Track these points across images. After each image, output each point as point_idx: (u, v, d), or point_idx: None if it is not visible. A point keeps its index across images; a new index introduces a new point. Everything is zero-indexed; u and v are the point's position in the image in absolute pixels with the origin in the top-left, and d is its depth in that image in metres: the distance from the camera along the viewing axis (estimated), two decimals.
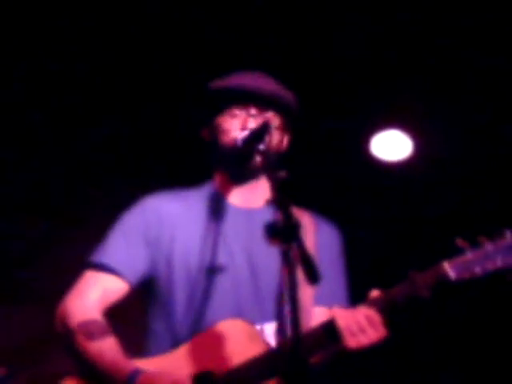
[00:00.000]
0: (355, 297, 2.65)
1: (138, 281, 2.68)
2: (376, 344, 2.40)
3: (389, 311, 2.44)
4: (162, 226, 2.70)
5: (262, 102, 2.71)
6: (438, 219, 4.89)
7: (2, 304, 4.75)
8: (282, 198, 2.16)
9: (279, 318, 2.59)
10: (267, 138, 2.48)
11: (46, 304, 2.71)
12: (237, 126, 2.68)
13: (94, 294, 2.62)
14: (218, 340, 2.52)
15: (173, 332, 2.62)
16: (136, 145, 4.86)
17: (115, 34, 4.18)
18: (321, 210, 2.90)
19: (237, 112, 2.71)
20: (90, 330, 2.55)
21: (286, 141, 2.84)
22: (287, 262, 2.02)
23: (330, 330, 2.43)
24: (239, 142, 2.59)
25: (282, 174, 2.27)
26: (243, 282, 2.64)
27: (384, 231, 5.06)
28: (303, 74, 4.34)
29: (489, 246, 2.45)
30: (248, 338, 2.54)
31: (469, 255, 2.45)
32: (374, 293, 2.50)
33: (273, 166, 2.35)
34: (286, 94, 2.78)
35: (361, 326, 2.40)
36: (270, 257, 2.52)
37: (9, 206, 4.87)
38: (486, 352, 4.91)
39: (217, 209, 2.74)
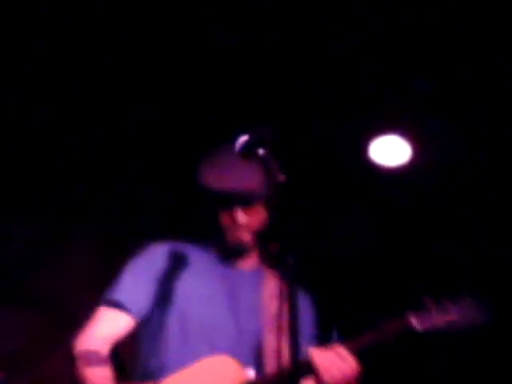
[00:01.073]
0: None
1: (142, 319, 2.92)
2: (349, 376, 2.70)
3: (357, 353, 2.74)
4: (168, 274, 2.94)
5: (245, 202, 2.90)
6: (435, 225, 4.90)
7: (2, 309, 4.76)
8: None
9: (258, 366, 2.85)
10: (267, 144, 2.50)
11: (44, 306, 2.82)
12: (228, 222, 2.92)
13: (102, 329, 2.90)
14: (205, 373, 2.77)
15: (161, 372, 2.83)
16: (137, 147, 4.88)
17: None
18: (318, 215, 2.96)
19: (239, 213, 2.91)
20: (89, 358, 2.82)
21: (267, 218, 2.97)
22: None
23: (308, 366, 2.71)
24: (238, 148, 2.57)
25: (281, 177, 2.31)
26: (228, 334, 2.88)
27: (383, 235, 5.08)
28: (301, 78, 4.36)
29: (449, 305, 2.82)
30: (235, 374, 2.77)
31: (433, 312, 2.79)
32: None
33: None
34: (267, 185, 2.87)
35: (333, 361, 2.69)
36: (251, 313, 2.92)
37: (7, 207, 4.88)
38: None
39: (215, 268, 3.01)
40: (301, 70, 4.37)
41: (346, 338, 2.79)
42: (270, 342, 2.82)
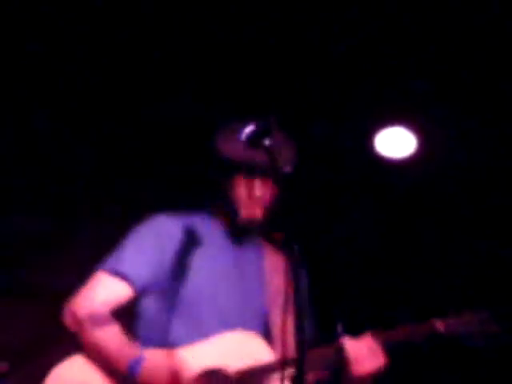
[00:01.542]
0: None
1: (143, 289, 2.86)
2: (377, 370, 2.72)
3: (388, 347, 2.77)
4: (171, 245, 2.88)
5: (267, 174, 2.87)
6: (444, 217, 4.89)
7: (3, 302, 4.76)
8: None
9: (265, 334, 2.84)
10: (273, 134, 2.50)
11: (46, 301, 2.80)
12: (244, 192, 2.89)
13: (101, 295, 2.81)
14: (220, 349, 2.72)
15: (157, 338, 2.77)
16: (138, 145, 4.86)
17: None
18: (324, 208, 2.96)
19: (243, 181, 2.90)
20: (96, 320, 2.73)
21: (276, 200, 2.96)
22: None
23: (339, 355, 2.70)
24: (243, 137, 2.57)
25: (287, 169, 2.31)
26: (232, 300, 2.86)
27: (387, 229, 5.06)
28: (305, 70, 4.34)
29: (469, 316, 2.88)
30: (250, 351, 2.74)
31: (456, 319, 2.86)
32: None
33: (278, 163, 2.45)
34: (292, 158, 2.92)
35: (364, 354, 2.69)
36: (258, 278, 2.91)
37: (9, 204, 4.88)
38: None
39: (218, 234, 2.98)
40: (304, 63, 4.35)
41: (374, 330, 2.82)
42: (275, 318, 2.80)
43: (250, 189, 2.89)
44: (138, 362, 2.61)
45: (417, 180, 4.96)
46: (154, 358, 2.65)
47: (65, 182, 4.91)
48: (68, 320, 2.81)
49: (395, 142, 4.80)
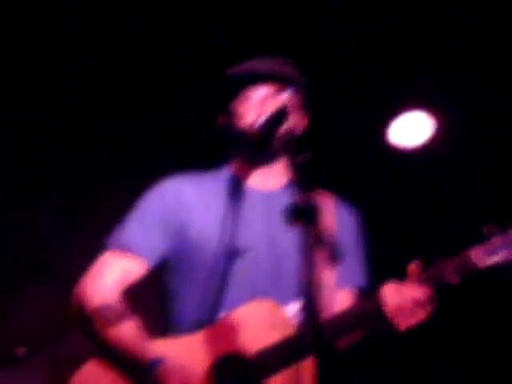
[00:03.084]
0: (374, 283, 2.65)
1: (156, 262, 2.68)
2: (422, 322, 2.45)
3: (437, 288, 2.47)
4: (180, 209, 2.69)
5: (275, 81, 2.69)
6: (460, 204, 4.87)
7: (26, 286, 4.79)
8: (302, 179, 2.16)
9: (301, 298, 2.59)
10: (286, 121, 2.49)
11: (68, 286, 2.71)
12: (252, 109, 2.67)
13: (111, 276, 2.62)
14: (240, 323, 2.53)
15: (189, 314, 2.62)
16: (154, 127, 4.87)
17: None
18: (340, 194, 2.89)
19: (252, 95, 2.70)
20: (107, 315, 2.55)
21: (304, 122, 2.82)
22: (307, 244, 2.02)
23: (377, 309, 2.45)
24: (257, 127, 2.56)
25: (303, 156, 2.24)
26: (263, 263, 2.64)
27: (405, 216, 5.05)
28: (321, 57, 4.33)
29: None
30: (273, 319, 2.54)
31: (495, 241, 2.47)
32: (416, 267, 2.51)
33: (293, 148, 2.34)
34: (300, 75, 2.77)
35: (409, 306, 2.44)
36: (290, 237, 2.54)
37: (32, 188, 4.91)
38: None
39: (235, 191, 2.72)
40: (320, 49, 4.33)
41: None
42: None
43: (261, 104, 2.66)
44: (153, 364, 2.46)
45: (433, 166, 4.95)
46: (169, 360, 2.47)
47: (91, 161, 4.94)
48: (75, 312, 2.62)
49: (411, 129, 4.79)
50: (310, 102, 2.82)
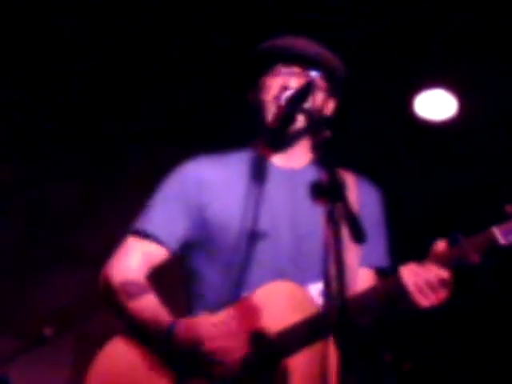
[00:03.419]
0: (399, 258, 2.63)
1: (179, 246, 2.69)
2: (444, 301, 2.43)
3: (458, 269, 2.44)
4: (202, 191, 2.69)
5: (306, 61, 2.68)
6: (484, 182, 4.83)
7: (54, 268, 4.84)
8: (326, 157, 2.15)
9: (325, 278, 2.58)
10: (311, 98, 2.46)
11: (94, 269, 2.76)
12: (279, 83, 2.65)
13: (135, 258, 2.67)
14: (262, 303, 2.52)
15: (212, 295, 2.64)
16: (179, 109, 4.87)
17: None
18: (364, 169, 2.87)
19: (281, 70, 2.68)
20: (130, 290, 2.60)
21: (331, 106, 2.80)
22: (332, 222, 2.01)
23: (399, 288, 2.43)
24: (283, 102, 2.54)
25: (326, 133, 2.23)
26: (285, 243, 2.63)
27: (428, 194, 5.03)
28: (346, 32, 4.29)
29: None
30: (294, 299, 2.53)
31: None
32: (440, 246, 2.48)
33: (316, 125, 2.33)
34: (333, 58, 2.75)
35: (429, 284, 2.41)
36: (313, 216, 2.56)
37: (61, 171, 4.95)
38: None
39: (259, 170, 2.71)
40: (346, 26, 4.30)
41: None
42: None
43: (287, 79, 2.65)
44: (173, 325, 2.47)
45: (458, 142, 4.92)
46: (191, 320, 2.50)
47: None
48: (102, 289, 2.68)
49: (436, 105, 4.76)
50: (337, 87, 2.79)
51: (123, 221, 2.77)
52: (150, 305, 2.58)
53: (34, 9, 4.07)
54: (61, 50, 4.36)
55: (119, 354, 2.58)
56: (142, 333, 2.56)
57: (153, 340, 2.54)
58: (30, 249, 4.90)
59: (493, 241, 2.43)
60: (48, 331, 4.29)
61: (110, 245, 2.74)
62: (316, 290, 2.59)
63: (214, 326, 2.45)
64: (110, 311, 2.67)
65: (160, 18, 4.28)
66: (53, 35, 4.24)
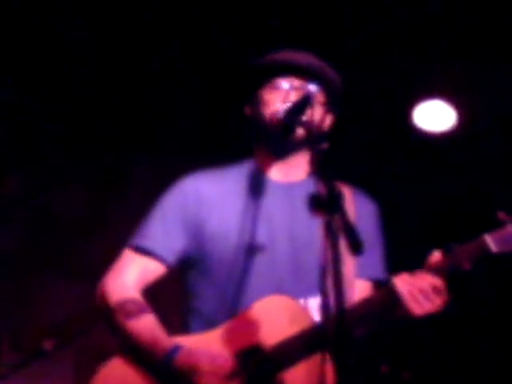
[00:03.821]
0: (396, 268, 2.63)
1: (176, 261, 2.70)
2: (438, 310, 2.45)
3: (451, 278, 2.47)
4: (200, 206, 2.70)
5: (304, 75, 2.69)
6: (480, 192, 4.83)
7: (53, 281, 4.83)
8: (324, 170, 2.15)
9: (323, 291, 2.57)
10: (309, 111, 2.47)
11: (93, 281, 2.75)
12: (278, 97, 2.65)
13: (131, 274, 2.67)
14: (258, 318, 2.53)
15: (210, 311, 2.64)
16: (184, 118, 4.88)
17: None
18: (363, 180, 2.87)
19: (279, 84, 2.69)
20: (128, 309, 2.59)
21: (329, 120, 2.80)
22: (330, 233, 2.01)
23: (392, 297, 2.45)
24: (281, 114, 2.54)
25: (324, 146, 2.24)
26: (283, 257, 2.64)
27: (425, 204, 5.03)
28: (344, 42, 4.30)
29: None
30: (291, 313, 2.54)
31: (509, 228, 2.47)
32: (435, 256, 2.50)
33: (315, 138, 2.33)
34: (331, 72, 2.76)
35: (423, 293, 2.43)
36: (311, 228, 2.58)
37: (65, 181, 4.95)
38: None
39: (257, 184, 2.73)
40: (343, 34, 4.31)
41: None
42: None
43: (286, 94, 2.64)
44: (174, 350, 2.48)
45: (456, 153, 4.92)
46: (190, 347, 2.50)
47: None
48: (99, 305, 2.67)
49: (434, 116, 4.76)
50: (337, 101, 2.79)
51: (126, 232, 2.77)
52: (148, 325, 2.57)
53: (34, 10, 4.07)
54: (63, 54, 4.37)
55: (117, 374, 2.57)
56: (139, 353, 2.56)
57: (151, 362, 2.53)
58: (30, 261, 4.89)
59: (485, 249, 2.46)
60: (48, 345, 4.28)
61: (110, 258, 2.73)
62: (316, 303, 2.59)
63: (213, 362, 2.45)
64: (106, 328, 2.66)
65: (164, 24, 4.30)
66: (54, 37, 4.25)
